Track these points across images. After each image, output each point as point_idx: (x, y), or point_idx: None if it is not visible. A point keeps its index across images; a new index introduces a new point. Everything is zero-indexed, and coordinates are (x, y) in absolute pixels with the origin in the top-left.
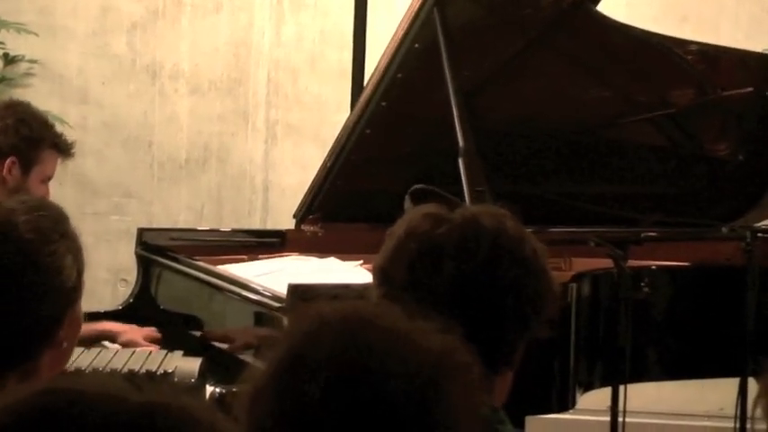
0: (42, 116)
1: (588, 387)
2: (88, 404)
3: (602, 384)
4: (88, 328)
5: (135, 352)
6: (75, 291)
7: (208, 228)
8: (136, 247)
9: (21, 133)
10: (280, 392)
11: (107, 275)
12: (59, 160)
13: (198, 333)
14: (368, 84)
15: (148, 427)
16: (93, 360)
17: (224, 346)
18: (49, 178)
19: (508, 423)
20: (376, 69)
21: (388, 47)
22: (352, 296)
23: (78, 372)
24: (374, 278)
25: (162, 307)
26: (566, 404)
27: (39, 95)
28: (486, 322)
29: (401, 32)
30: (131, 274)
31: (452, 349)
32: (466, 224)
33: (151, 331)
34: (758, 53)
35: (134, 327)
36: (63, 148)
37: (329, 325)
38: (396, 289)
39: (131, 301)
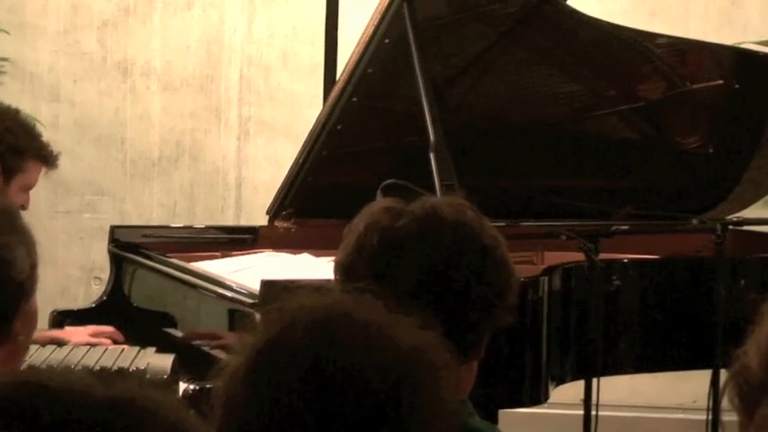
0: (29, 125)
1: (561, 381)
2: (51, 397)
3: (575, 378)
4: (39, 336)
5: (107, 349)
6: (29, 284)
7: (180, 225)
8: (108, 244)
9: (5, 142)
10: (256, 381)
11: (80, 273)
12: (43, 170)
13: (171, 330)
14: (339, 79)
15: (111, 421)
16: (66, 357)
17: (201, 342)
18: (31, 187)
19: (476, 415)
20: (346, 65)
21: (358, 42)
22: (331, 291)
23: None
24: (335, 274)
25: (135, 304)
26: (538, 398)
27: (10, 94)
28: (450, 312)
29: (371, 28)
30: (105, 271)
31: (429, 346)
32: (426, 216)
33: (97, 329)
34: (728, 46)
35: (79, 329)
36: (48, 159)
37: (307, 316)
38: (358, 283)
39: (104, 298)
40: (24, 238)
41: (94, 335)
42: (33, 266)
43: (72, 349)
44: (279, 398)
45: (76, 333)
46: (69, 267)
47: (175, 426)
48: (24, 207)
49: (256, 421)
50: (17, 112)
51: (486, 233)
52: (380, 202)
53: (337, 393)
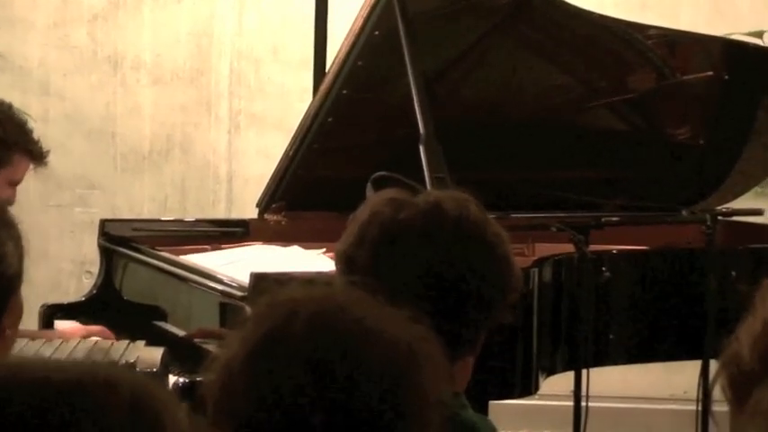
0: (21, 119)
1: (551, 372)
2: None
3: (565, 369)
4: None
5: (97, 342)
6: (18, 278)
7: (171, 218)
8: (98, 238)
9: None
10: (257, 374)
11: (72, 267)
12: (31, 166)
13: (161, 323)
14: (328, 72)
15: (44, 400)
16: (55, 351)
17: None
18: (18, 182)
19: (469, 408)
20: (336, 57)
21: (348, 35)
22: (320, 283)
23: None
24: (336, 263)
25: (125, 298)
26: (528, 389)
27: None
28: (449, 307)
29: (361, 20)
30: (96, 265)
31: (422, 339)
32: (429, 209)
33: (88, 329)
34: (718, 37)
35: (69, 330)
36: (36, 156)
37: (303, 311)
38: (359, 274)
39: (94, 292)
40: (12, 232)
41: (85, 336)
42: (21, 260)
43: (61, 343)
44: (281, 390)
45: (71, 333)
46: (60, 261)
47: (104, 404)
48: (10, 202)
49: (257, 412)
50: (10, 107)
51: (490, 230)
52: (385, 193)
53: (341, 385)
